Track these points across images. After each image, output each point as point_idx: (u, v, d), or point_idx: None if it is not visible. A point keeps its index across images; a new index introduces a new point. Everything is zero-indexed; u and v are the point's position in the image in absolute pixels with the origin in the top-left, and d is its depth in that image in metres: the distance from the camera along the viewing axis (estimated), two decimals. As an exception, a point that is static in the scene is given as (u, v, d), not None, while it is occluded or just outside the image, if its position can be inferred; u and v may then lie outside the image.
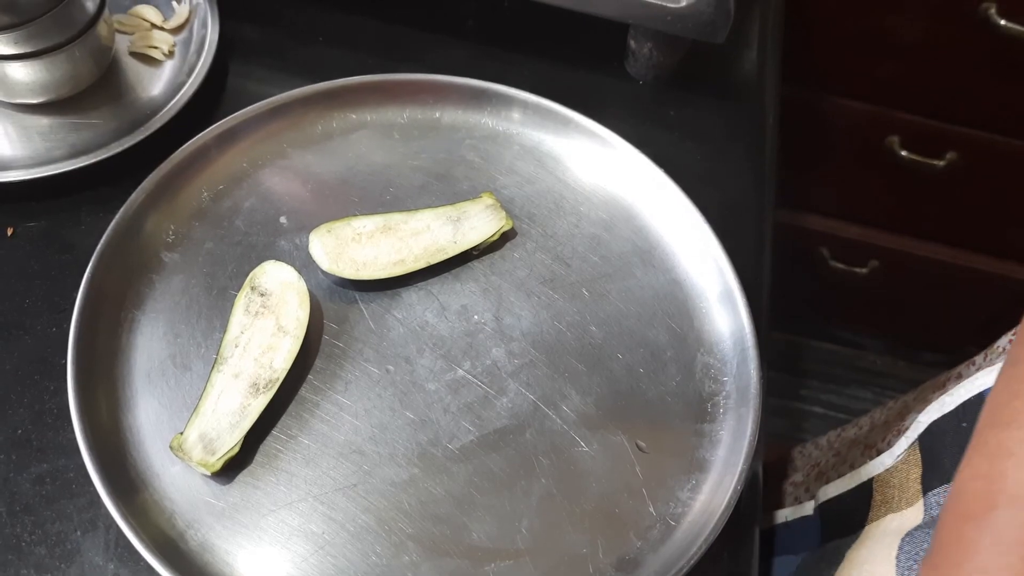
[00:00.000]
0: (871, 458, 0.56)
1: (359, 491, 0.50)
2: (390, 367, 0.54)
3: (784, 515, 0.63)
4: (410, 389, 0.54)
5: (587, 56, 0.68)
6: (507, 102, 0.62)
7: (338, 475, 0.51)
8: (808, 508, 0.60)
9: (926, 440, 0.51)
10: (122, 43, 0.65)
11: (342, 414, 0.53)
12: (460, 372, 0.54)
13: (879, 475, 0.54)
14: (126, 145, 0.59)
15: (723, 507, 0.49)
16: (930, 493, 0.49)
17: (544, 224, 0.60)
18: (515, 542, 0.49)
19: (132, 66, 0.64)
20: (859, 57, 0.98)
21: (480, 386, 0.54)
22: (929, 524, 0.48)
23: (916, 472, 0.51)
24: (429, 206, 0.58)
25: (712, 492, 0.51)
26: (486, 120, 0.63)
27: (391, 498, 0.50)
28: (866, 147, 1.07)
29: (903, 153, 1.04)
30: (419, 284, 0.57)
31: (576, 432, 0.53)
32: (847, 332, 1.44)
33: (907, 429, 0.53)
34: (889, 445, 0.55)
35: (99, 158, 0.58)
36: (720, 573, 0.51)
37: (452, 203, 0.58)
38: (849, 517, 0.54)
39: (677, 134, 0.67)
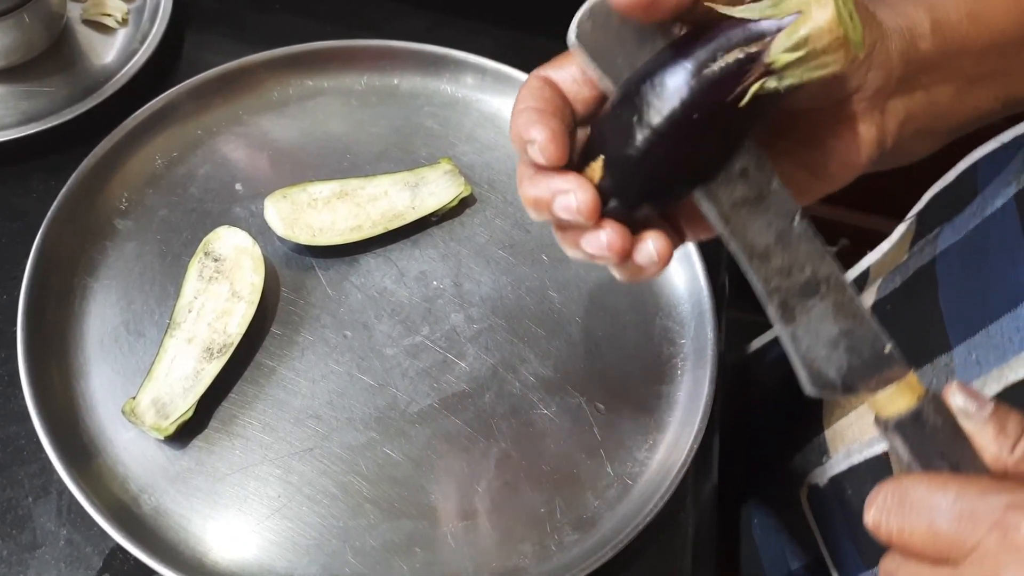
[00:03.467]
0: None
1: (316, 455, 0.50)
2: (348, 333, 0.54)
3: None
4: (368, 355, 0.53)
5: (545, 23, 0.68)
6: (465, 68, 0.62)
7: (295, 439, 0.50)
8: None
9: None
10: (75, 10, 0.64)
11: (299, 379, 0.52)
12: (419, 337, 0.54)
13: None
14: (77, 112, 0.58)
15: (679, 466, 0.49)
16: None
17: (504, 191, 0.60)
18: (473, 503, 0.49)
19: (85, 33, 0.63)
20: None
21: (439, 351, 0.54)
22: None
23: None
24: (387, 172, 0.58)
25: (668, 452, 0.51)
26: (445, 87, 0.62)
27: (348, 462, 0.50)
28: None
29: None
30: (377, 250, 0.57)
31: (535, 395, 0.53)
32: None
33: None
34: None
35: (50, 124, 0.57)
36: (686, 526, 0.52)
37: (410, 169, 0.58)
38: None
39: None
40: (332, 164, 0.59)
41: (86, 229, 0.55)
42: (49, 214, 0.53)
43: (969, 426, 0.31)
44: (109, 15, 0.63)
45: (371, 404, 0.52)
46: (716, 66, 0.30)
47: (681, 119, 0.31)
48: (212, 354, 0.50)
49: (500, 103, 0.62)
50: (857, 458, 0.50)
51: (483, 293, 0.56)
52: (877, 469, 0.49)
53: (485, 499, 0.50)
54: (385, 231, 0.56)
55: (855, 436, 0.51)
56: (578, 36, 0.33)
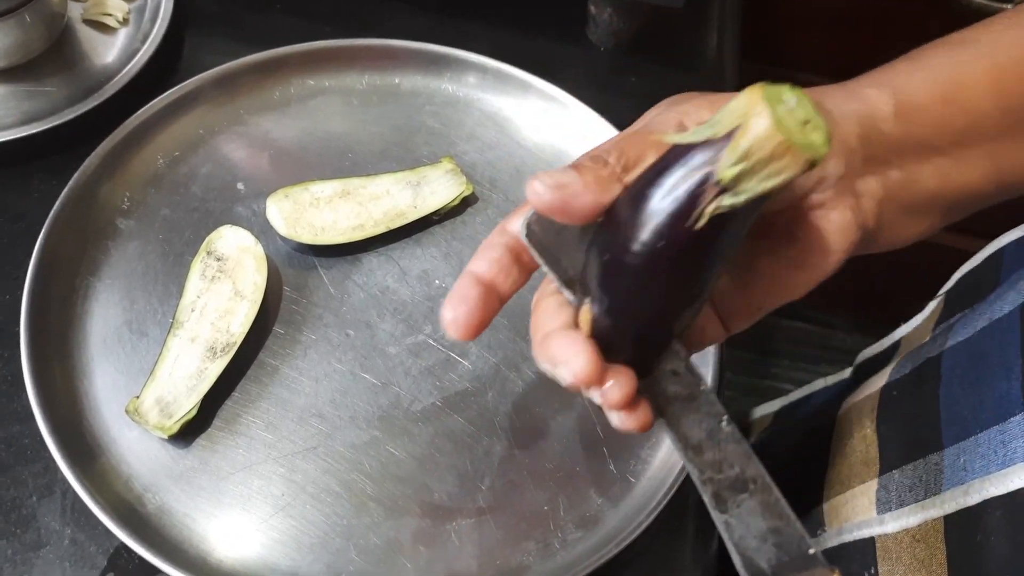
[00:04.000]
0: None
1: (319, 453, 0.50)
2: (350, 332, 0.54)
3: None
4: (371, 353, 0.53)
5: (548, 23, 0.68)
6: (466, 67, 0.62)
7: (298, 438, 0.50)
8: None
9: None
10: (75, 10, 0.64)
11: (302, 378, 0.52)
12: (421, 336, 0.54)
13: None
14: (79, 112, 0.58)
15: (681, 463, 0.49)
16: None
17: (505, 189, 0.60)
18: (476, 501, 0.50)
19: (86, 33, 0.63)
20: (818, 32, 0.99)
21: (441, 350, 0.54)
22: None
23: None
24: (389, 171, 0.58)
25: (671, 449, 0.51)
26: (446, 86, 0.62)
27: (352, 460, 0.50)
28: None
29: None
30: (379, 249, 0.57)
31: (537, 393, 0.53)
32: (816, 311, 1.46)
33: None
34: None
35: (51, 125, 0.57)
36: (687, 524, 0.52)
37: (412, 168, 0.58)
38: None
39: (637, 101, 0.66)
40: (334, 163, 0.59)
41: (88, 229, 0.55)
42: (51, 214, 0.53)
43: None
44: (110, 15, 0.63)
45: (374, 403, 0.52)
46: (671, 197, 0.30)
47: (651, 255, 0.31)
48: (215, 353, 0.50)
49: (502, 102, 0.62)
50: (848, 537, 0.51)
51: (485, 292, 0.56)
52: (865, 551, 0.49)
53: (488, 497, 0.50)
54: (387, 230, 0.56)
55: (848, 515, 0.51)
56: (527, 235, 0.34)
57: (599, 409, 0.34)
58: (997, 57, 0.37)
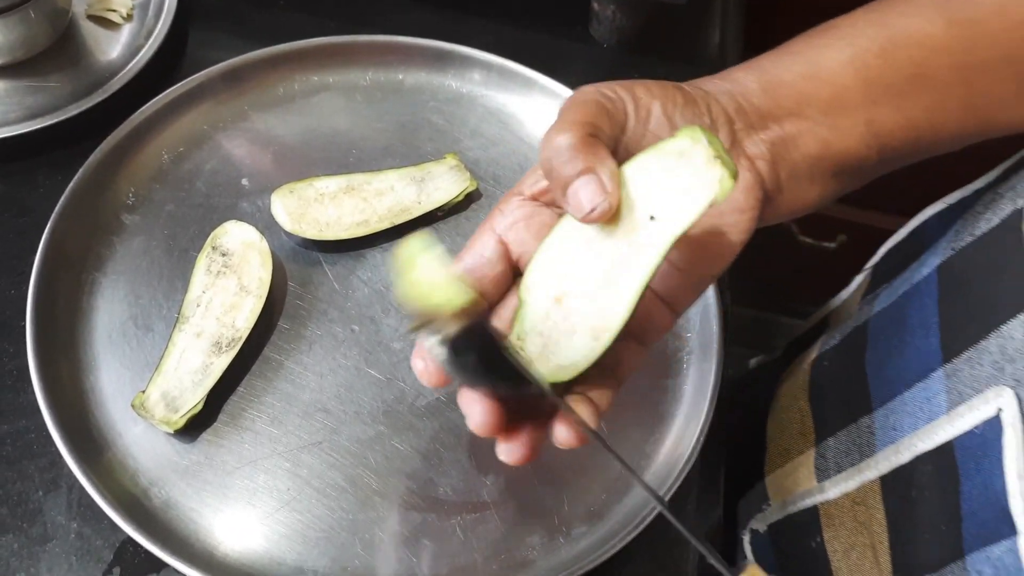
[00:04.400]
0: None
1: (325, 448, 0.50)
2: (355, 327, 0.54)
3: None
4: (375, 348, 0.54)
5: (551, 20, 0.68)
6: (470, 64, 0.62)
7: (303, 433, 0.51)
8: None
9: None
10: (79, 6, 0.64)
11: (307, 373, 0.52)
12: (425, 331, 0.54)
13: None
14: (83, 108, 0.58)
15: (684, 458, 0.50)
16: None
17: (509, 185, 0.60)
18: (481, 495, 0.50)
19: (90, 29, 0.63)
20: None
21: (445, 345, 0.54)
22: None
23: None
24: (393, 167, 0.58)
25: (675, 444, 0.51)
26: (450, 82, 0.62)
27: (357, 455, 0.50)
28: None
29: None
30: (383, 245, 0.57)
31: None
32: (816, 308, 1.45)
33: None
34: None
35: (55, 120, 0.57)
36: (688, 520, 0.52)
37: (416, 164, 0.58)
38: None
39: (641, 98, 0.67)
40: (338, 159, 0.59)
41: (93, 224, 0.55)
42: (56, 209, 0.53)
43: None
44: (114, 11, 0.63)
45: (379, 398, 0.52)
46: None
47: None
48: (221, 348, 0.50)
49: (505, 99, 0.62)
50: (792, 508, 0.53)
51: (489, 287, 0.56)
52: (809, 520, 0.50)
53: (493, 492, 0.50)
54: (391, 226, 0.56)
55: (791, 487, 0.53)
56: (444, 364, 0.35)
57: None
58: (855, 39, 0.41)
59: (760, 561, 0.56)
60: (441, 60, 0.62)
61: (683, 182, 0.34)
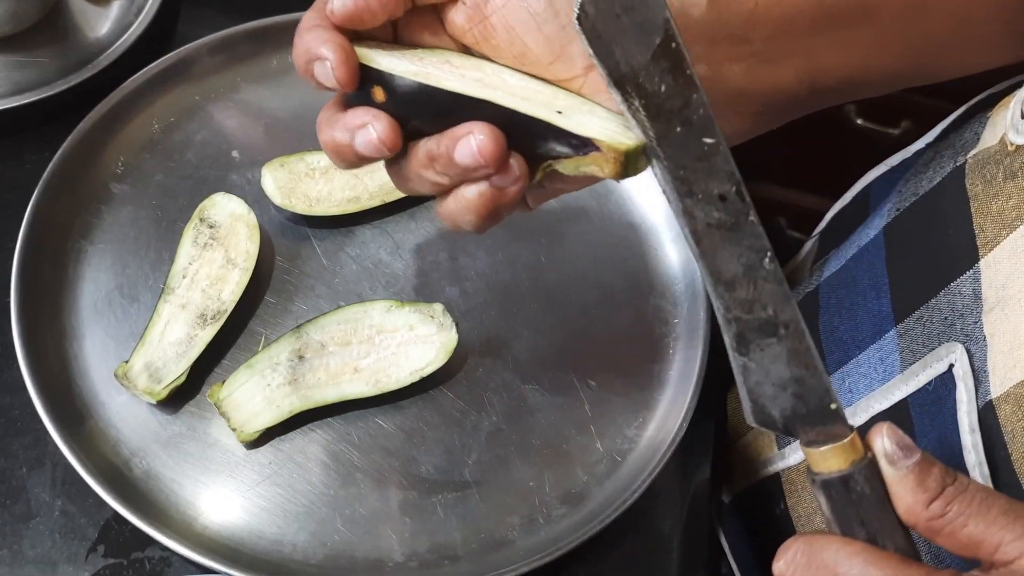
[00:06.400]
0: None
1: (307, 423, 0.50)
2: (342, 303, 0.54)
3: None
4: (362, 325, 0.53)
5: None
6: (466, 43, 0.61)
7: (287, 408, 0.50)
8: None
9: None
10: (70, -22, 0.63)
11: (292, 348, 0.52)
12: (413, 310, 0.54)
13: None
14: (71, 83, 0.57)
15: (667, 443, 0.50)
16: None
17: (501, 167, 0.60)
18: (463, 475, 0.50)
19: (79, 5, 0.62)
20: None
21: (432, 324, 0.54)
22: None
23: None
24: (385, 145, 0.58)
25: (658, 430, 0.52)
26: (445, 61, 0.62)
27: (340, 431, 0.50)
28: (822, 115, 1.08)
29: (859, 121, 1.05)
30: (374, 222, 0.57)
31: (527, 370, 0.53)
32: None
33: None
34: None
35: (43, 95, 0.56)
36: (672, 505, 0.52)
37: (408, 142, 0.58)
38: None
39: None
40: (330, 135, 0.59)
41: (81, 192, 0.54)
42: (44, 176, 0.53)
43: (890, 472, 0.31)
44: (105, -17, 0.63)
45: (364, 375, 0.52)
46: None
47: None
48: (205, 320, 0.50)
49: (500, 79, 0.62)
50: (755, 477, 0.53)
51: (478, 268, 0.56)
52: (772, 488, 0.51)
53: (475, 471, 0.50)
54: (382, 203, 0.56)
55: (753, 455, 0.53)
56: (579, 19, 0.32)
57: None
58: None
59: (728, 531, 0.56)
60: (437, 38, 0.61)
61: None
